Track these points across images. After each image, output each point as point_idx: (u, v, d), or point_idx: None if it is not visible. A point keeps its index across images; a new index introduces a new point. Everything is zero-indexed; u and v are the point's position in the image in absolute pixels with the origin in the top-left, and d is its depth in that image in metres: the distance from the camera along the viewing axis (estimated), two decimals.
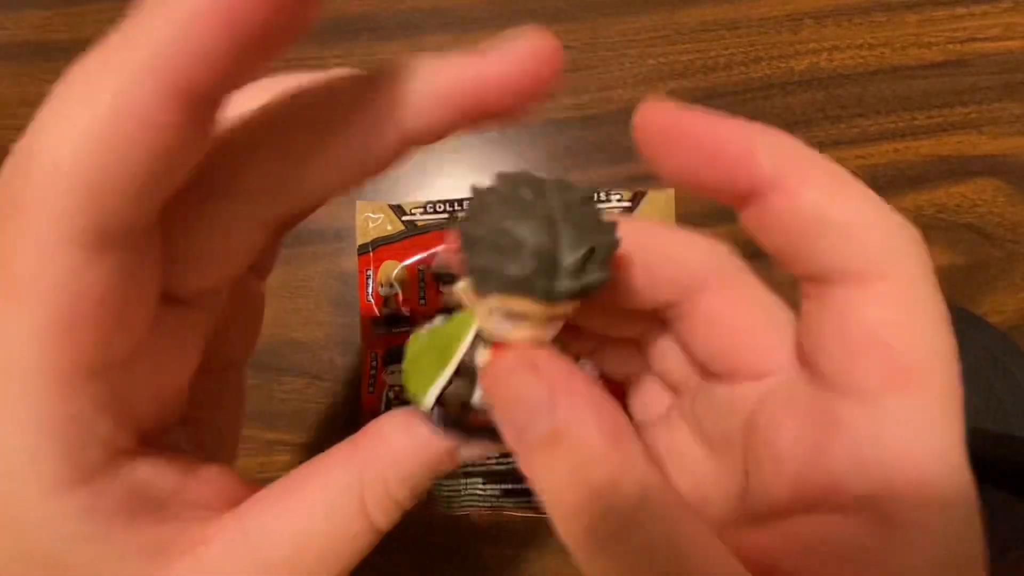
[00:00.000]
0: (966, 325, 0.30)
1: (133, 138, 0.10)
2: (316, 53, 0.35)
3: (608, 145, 0.34)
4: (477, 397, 0.13)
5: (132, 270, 0.12)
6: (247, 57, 0.10)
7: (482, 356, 0.13)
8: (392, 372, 0.33)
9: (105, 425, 0.12)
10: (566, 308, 0.12)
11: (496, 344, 0.13)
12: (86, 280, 0.11)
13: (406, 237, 0.33)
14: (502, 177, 0.13)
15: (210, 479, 0.15)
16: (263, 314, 0.19)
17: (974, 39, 0.34)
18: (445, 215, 0.33)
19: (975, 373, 0.29)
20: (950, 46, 0.34)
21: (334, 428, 0.33)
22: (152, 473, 0.13)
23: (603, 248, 0.12)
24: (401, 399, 0.32)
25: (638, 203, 0.33)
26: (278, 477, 0.26)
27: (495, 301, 0.12)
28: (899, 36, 0.34)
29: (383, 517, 0.15)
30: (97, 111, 0.10)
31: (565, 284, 0.12)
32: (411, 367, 0.14)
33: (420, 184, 0.34)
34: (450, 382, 0.13)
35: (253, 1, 0.10)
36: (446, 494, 0.32)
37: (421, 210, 0.33)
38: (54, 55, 0.36)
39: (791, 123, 0.33)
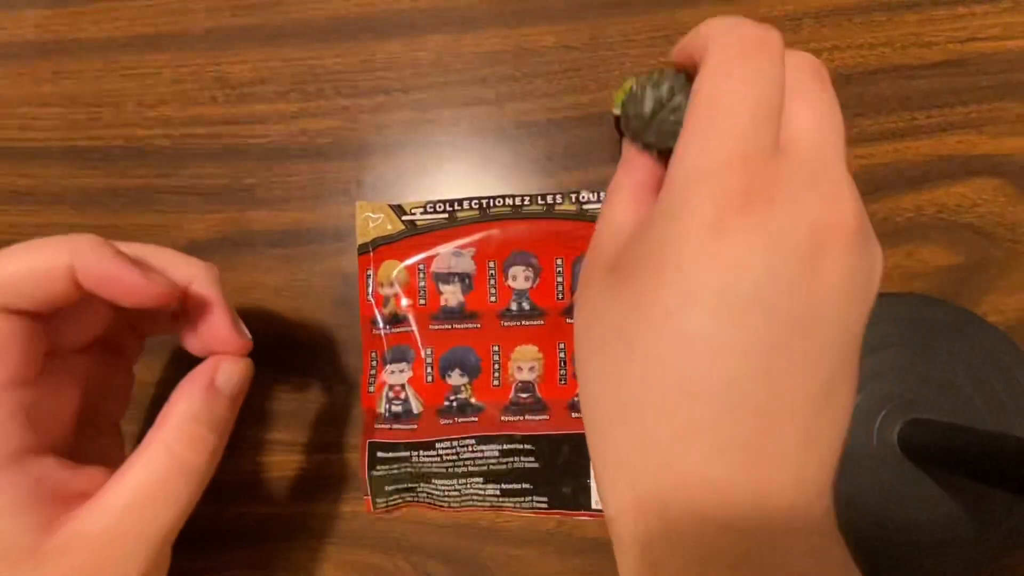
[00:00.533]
0: (966, 325, 0.30)
1: (26, 284, 0.20)
2: (316, 53, 0.35)
3: (608, 145, 0.34)
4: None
5: (28, 326, 0.20)
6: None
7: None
8: (392, 372, 0.33)
9: (18, 427, 0.20)
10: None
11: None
12: (4, 325, 0.20)
13: (406, 237, 0.33)
14: (662, 72, 0.23)
15: (92, 475, 0.21)
16: (132, 387, 0.28)
17: (974, 39, 0.34)
18: (445, 215, 0.33)
19: (975, 373, 0.29)
20: (950, 46, 0.34)
21: (334, 428, 0.33)
22: (50, 468, 0.20)
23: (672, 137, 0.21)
24: (400, 399, 0.32)
25: None
26: (277, 477, 0.30)
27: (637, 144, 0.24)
28: (899, 36, 0.34)
29: (192, 453, 0.22)
30: (24, 266, 0.20)
31: (646, 142, 0.23)
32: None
33: (420, 184, 0.34)
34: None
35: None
36: (446, 494, 0.32)
37: (421, 210, 0.33)
38: (54, 55, 0.36)
39: None
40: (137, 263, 0.22)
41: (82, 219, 0.35)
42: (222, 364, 0.24)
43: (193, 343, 0.26)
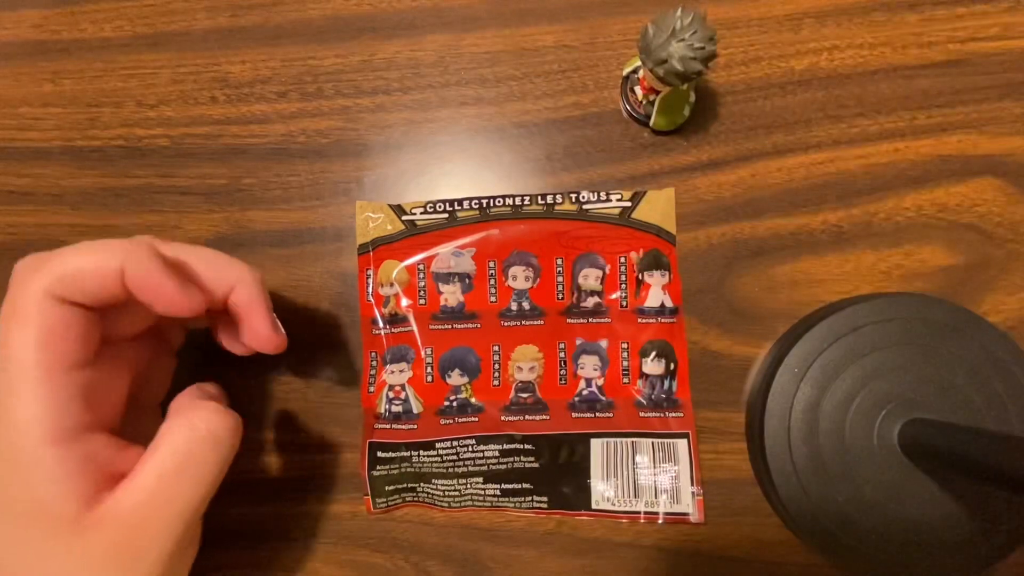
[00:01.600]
0: (966, 325, 0.30)
1: (82, 280, 0.22)
2: (316, 53, 0.35)
3: (608, 145, 0.34)
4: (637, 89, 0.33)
5: (84, 316, 0.22)
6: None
7: (639, 73, 0.32)
8: (392, 372, 0.33)
9: (75, 406, 0.21)
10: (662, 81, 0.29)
11: (642, 77, 0.32)
12: (58, 314, 0.21)
13: (406, 237, 0.33)
14: (683, 12, 0.27)
15: (138, 454, 0.23)
16: (173, 370, 0.30)
17: (974, 39, 0.34)
18: (445, 215, 0.33)
19: (975, 373, 0.29)
20: (950, 46, 0.34)
21: (334, 428, 0.33)
22: (101, 446, 0.22)
23: (677, 76, 0.28)
24: (400, 399, 0.32)
25: (637, 203, 0.33)
26: (276, 477, 0.30)
27: (648, 62, 0.28)
28: (899, 35, 0.34)
29: (214, 427, 0.23)
30: (82, 263, 0.22)
31: (660, 73, 0.28)
32: None
33: (420, 184, 0.34)
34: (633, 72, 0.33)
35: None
36: (446, 494, 0.32)
37: (421, 210, 0.33)
38: (54, 54, 0.36)
39: (791, 123, 0.33)
40: (181, 275, 0.23)
41: (82, 219, 0.35)
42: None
43: (232, 342, 0.28)
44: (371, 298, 0.33)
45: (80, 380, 0.22)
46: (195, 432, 0.23)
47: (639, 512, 0.31)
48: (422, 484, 0.32)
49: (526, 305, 0.32)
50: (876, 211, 0.33)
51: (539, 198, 0.33)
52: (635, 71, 0.33)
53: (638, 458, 0.31)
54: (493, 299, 0.33)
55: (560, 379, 0.32)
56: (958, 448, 0.26)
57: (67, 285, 0.21)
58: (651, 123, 0.33)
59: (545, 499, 0.31)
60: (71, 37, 0.36)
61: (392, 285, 0.33)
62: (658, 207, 0.33)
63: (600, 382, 0.32)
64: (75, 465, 0.21)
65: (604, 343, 0.32)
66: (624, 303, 0.32)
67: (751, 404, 0.31)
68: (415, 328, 0.33)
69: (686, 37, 0.27)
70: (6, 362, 0.21)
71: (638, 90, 0.33)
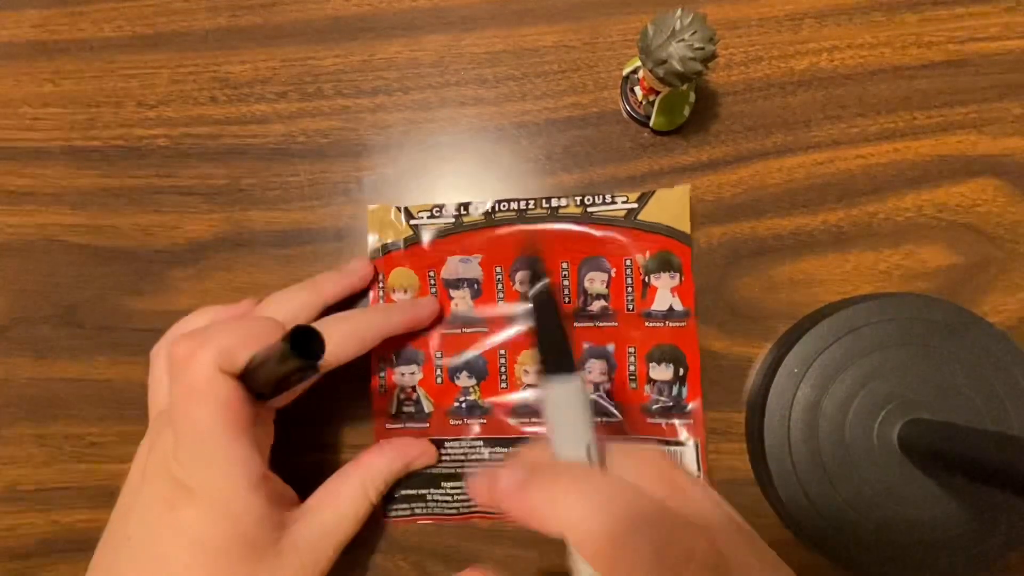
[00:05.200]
0: (966, 325, 0.30)
1: (234, 356, 0.25)
2: (316, 53, 0.35)
3: (608, 145, 0.34)
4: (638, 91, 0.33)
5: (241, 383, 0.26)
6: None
7: (639, 73, 0.32)
8: (403, 374, 0.33)
9: (257, 456, 0.26)
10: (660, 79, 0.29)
11: (642, 78, 0.32)
12: (229, 385, 0.25)
13: (414, 244, 0.33)
14: (683, 13, 0.27)
15: (283, 483, 0.29)
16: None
17: (974, 39, 0.34)
18: (451, 220, 0.33)
19: (975, 373, 0.29)
20: (950, 46, 0.34)
21: (335, 428, 0.33)
22: (272, 481, 0.27)
23: (677, 76, 0.28)
24: (412, 400, 0.32)
25: (644, 203, 0.32)
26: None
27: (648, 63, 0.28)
28: (899, 36, 0.34)
29: (376, 496, 0.30)
30: (226, 344, 0.25)
31: (660, 73, 0.28)
32: None
33: (420, 184, 0.34)
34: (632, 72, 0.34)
35: None
36: (455, 498, 0.32)
37: (427, 214, 0.33)
38: (55, 54, 0.36)
39: (791, 123, 0.33)
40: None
41: (82, 219, 0.34)
42: (421, 456, 0.31)
43: None
44: (382, 301, 0.33)
45: (254, 435, 0.26)
46: (366, 501, 0.29)
47: None
48: (431, 490, 0.32)
49: None
50: (876, 211, 0.33)
51: (543, 202, 0.33)
52: (635, 71, 0.33)
53: None
54: (501, 303, 0.33)
55: None
56: (958, 448, 0.26)
57: (228, 360, 0.24)
58: (651, 123, 0.33)
59: None
60: (71, 37, 0.36)
61: (405, 292, 0.33)
62: (669, 206, 0.32)
63: (607, 387, 0.32)
64: (268, 502, 0.25)
65: (611, 347, 0.32)
66: (631, 307, 0.32)
67: (751, 404, 0.31)
68: (426, 333, 0.33)
69: (686, 37, 0.27)
70: (200, 435, 0.24)
71: (638, 90, 0.33)
